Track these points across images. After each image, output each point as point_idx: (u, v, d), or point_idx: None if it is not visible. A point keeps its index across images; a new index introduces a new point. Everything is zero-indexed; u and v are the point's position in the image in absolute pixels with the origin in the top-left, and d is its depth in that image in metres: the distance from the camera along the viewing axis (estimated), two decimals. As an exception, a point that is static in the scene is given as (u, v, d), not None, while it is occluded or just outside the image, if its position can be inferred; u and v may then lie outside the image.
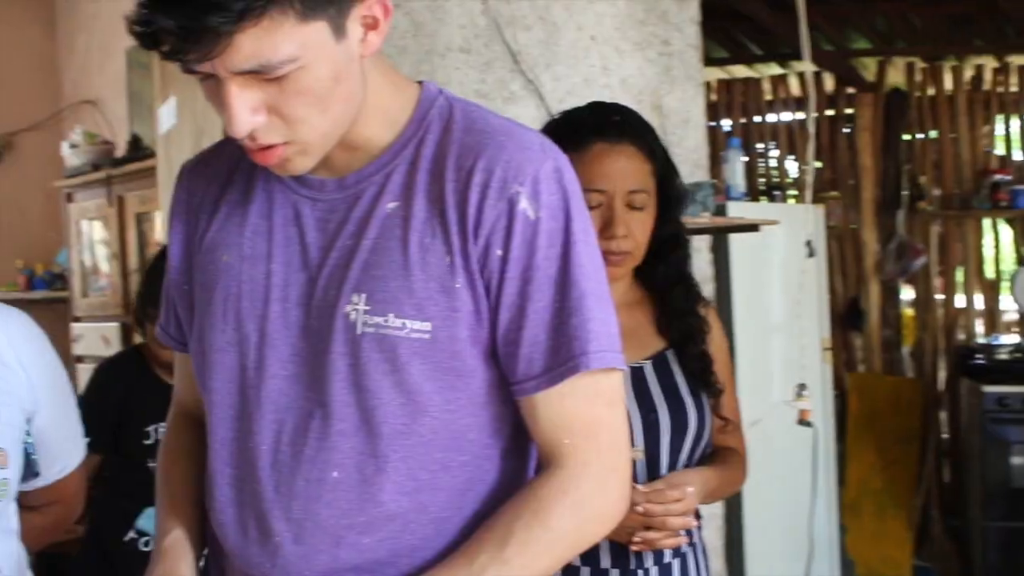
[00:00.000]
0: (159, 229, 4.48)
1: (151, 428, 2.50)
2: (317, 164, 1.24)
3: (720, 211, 3.10)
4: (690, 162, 2.88)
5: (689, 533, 1.79)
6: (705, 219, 2.72)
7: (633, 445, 1.72)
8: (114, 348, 4.54)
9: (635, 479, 1.69)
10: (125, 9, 1.07)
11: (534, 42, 2.39)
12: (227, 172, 1.33)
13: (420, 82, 1.30)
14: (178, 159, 3.29)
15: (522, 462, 1.32)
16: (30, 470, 1.66)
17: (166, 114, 3.34)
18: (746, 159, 5.31)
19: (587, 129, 1.77)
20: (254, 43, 1.07)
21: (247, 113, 1.12)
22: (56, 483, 1.75)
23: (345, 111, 1.19)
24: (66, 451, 1.76)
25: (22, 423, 1.61)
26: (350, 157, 1.25)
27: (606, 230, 1.72)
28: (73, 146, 5.03)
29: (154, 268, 2.60)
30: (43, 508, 1.75)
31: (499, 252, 1.19)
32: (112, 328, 4.65)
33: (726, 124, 5.99)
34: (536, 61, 2.36)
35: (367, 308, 1.20)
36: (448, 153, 1.22)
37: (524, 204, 1.19)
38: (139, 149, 4.79)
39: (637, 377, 1.78)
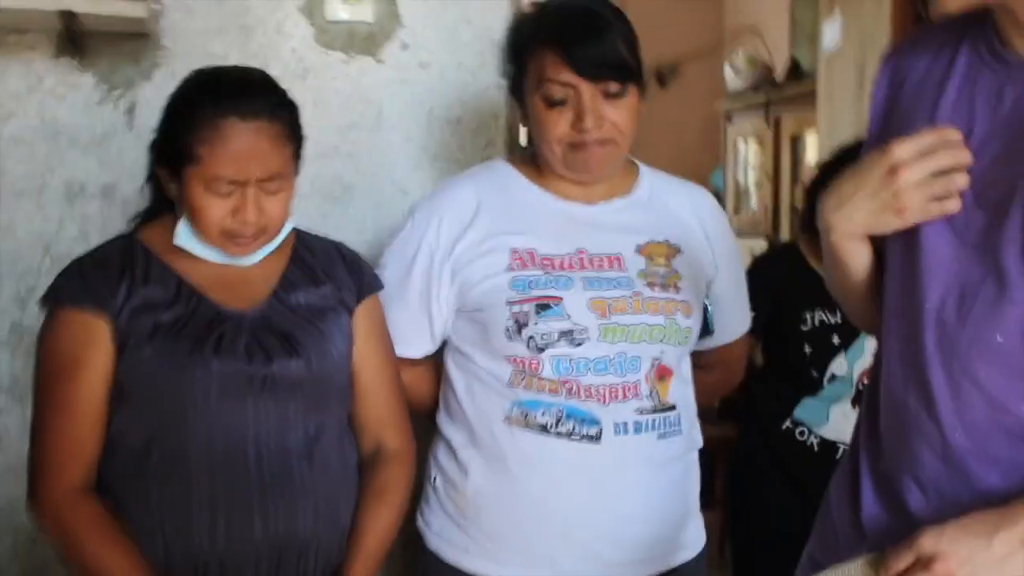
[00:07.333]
0: (812, 150, 4.61)
1: (807, 314, 2.49)
2: None
3: None
4: None
5: None
6: None
7: None
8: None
9: None
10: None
11: None
12: (936, 57, 1.35)
13: None
14: (840, 82, 3.36)
15: None
16: (706, 329, 1.90)
17: (830, 31, 3.41)
18: None
19: None
20: None
21: None
22: (725, 346, 1.99)
23: None
24: (736, 319, 2.01)
25: (703, 286, 1.88)
26: None
27: None
28: (736, 70, 5.30)
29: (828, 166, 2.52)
30: (710, 367, 1.98)
31: None
32: (759, 245, 4.88)
33: None
34: None
35: None
36: None
37: None
38: (798, 74, 4.94)
39: None
